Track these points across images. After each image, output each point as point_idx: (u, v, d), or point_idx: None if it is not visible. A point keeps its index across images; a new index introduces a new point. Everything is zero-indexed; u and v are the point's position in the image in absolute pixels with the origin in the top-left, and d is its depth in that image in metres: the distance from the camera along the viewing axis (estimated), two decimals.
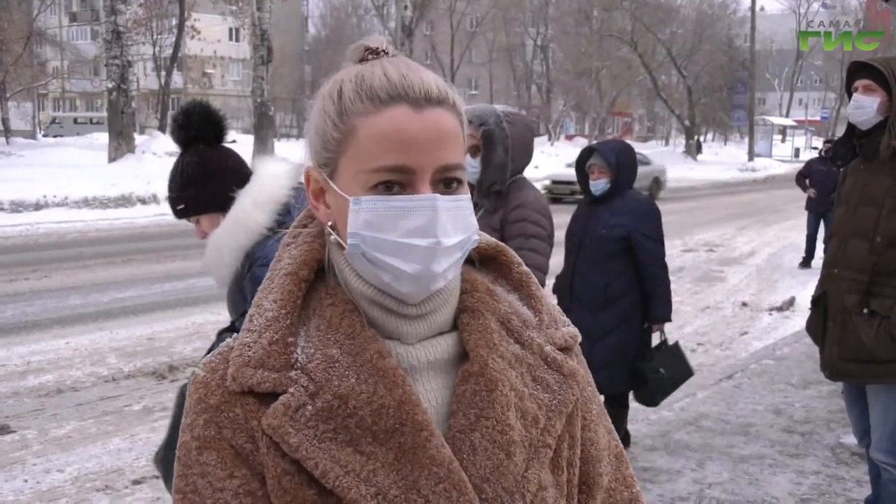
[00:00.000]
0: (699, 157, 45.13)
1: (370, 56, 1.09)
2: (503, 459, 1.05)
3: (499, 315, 1.14)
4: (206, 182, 2.57)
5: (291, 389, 1.02)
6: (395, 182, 1.02)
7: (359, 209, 1.03)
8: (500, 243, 1.22)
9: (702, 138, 55.14)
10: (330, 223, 1.09)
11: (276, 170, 2.61)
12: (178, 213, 2.64)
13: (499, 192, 3.73)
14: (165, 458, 2.75)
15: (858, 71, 3.53)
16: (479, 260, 1.19)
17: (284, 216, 2.49)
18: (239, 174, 2.60)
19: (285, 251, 1.14)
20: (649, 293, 4.71)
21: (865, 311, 3.46)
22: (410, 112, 1.02)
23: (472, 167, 3.72)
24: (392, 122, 1.02)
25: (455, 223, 1.04)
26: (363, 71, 1.06)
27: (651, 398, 4.93)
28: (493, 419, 1.05)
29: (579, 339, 1.21)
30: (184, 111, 2.64)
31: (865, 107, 3.47)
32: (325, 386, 1.02)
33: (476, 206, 3.82)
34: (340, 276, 1.10)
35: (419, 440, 1.01)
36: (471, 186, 3.65)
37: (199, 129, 2.59)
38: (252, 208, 2.49)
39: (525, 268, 1.22)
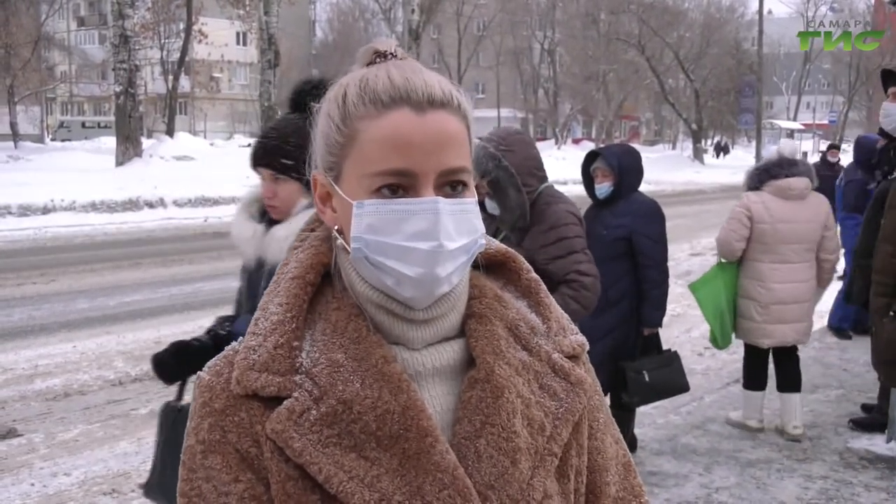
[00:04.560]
0: (715, 159, 44.84)
1: (378, 59, 1.09)
2: (508, 467, 1.04)
3: (507, 321, 1.13)
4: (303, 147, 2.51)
5: (296, 394, 1.02)
6: (398, 185, 1.02)
7: (362, 213, 1.02)
8: (510, 249, 1.21)
9: (719, 141, 54.97)
10: (336, 227, 1.09)
11: None
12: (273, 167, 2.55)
13: (523, 228, 3.74)
14: (161, 483, 2.71)
15: (890, 78, 3.49)
16: (487, 266, 1.18)
17: None
18: None
19: (292, 255, 1.13)
20: (644, 295, 4.65)
21: (891, 313, 3.47)
22: (412, 115, 1.02)
23: (493, 209, 3.73)
24: (393, 126, 1.01)
25: (459, 226, 1.02)
26: (368, 74, 1.06)
27: (629, 400, 4.67)
28: (498, 426, 1.04)
29: (587, 347, 1.20)
30: (308, 81, 2.62)
31: (892, 114, 3.43)
32: (329, 391, 1.01)
33: (507, 239, 3.82)
34: (347, 280, 1.09)
35: (423, 446, 1.01)
36: (493, 218, 3.67)
37: (307, 96, 2.47)
38: None
39: (534, 274, 1.21)
